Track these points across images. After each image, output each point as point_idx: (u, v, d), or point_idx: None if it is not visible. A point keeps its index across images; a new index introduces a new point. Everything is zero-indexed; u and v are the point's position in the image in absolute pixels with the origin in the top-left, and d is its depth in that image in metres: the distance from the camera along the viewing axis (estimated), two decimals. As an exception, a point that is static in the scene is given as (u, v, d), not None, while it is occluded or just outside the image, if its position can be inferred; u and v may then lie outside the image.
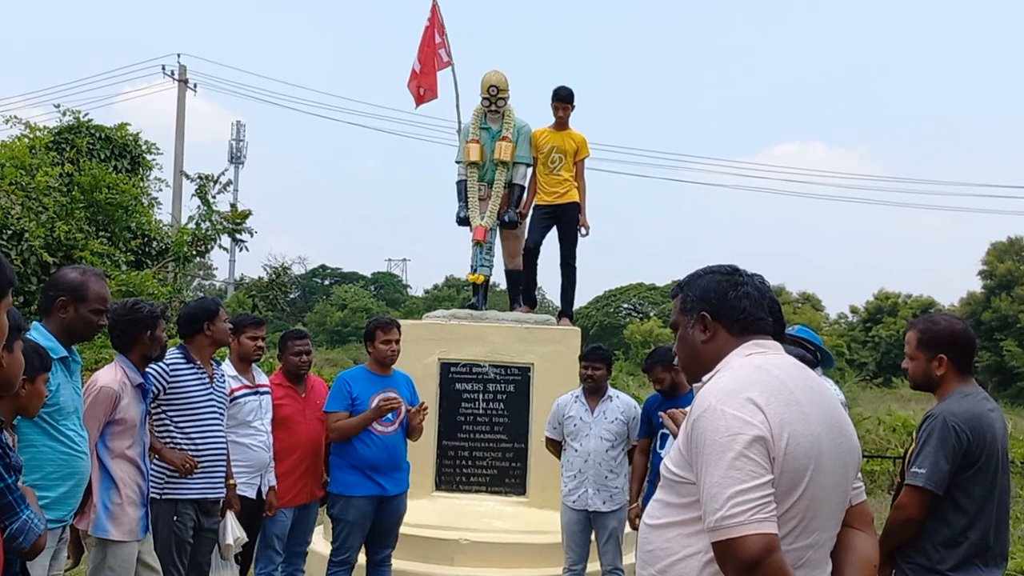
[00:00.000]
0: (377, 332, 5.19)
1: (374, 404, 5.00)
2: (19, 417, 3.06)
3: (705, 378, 2.04)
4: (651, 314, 43.85)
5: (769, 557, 1.75)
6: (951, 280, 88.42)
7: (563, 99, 6.93)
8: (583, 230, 7.06)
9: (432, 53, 7.58)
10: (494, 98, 6.83)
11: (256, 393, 5.02)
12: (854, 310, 45.03)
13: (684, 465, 1.94)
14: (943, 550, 2.94)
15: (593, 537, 5.32)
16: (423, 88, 7.65)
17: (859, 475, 2.11)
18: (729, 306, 2.08)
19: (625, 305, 47.41)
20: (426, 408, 5.25)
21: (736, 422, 1.83)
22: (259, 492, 4.96)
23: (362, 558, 5.20)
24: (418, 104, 7.78)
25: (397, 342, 5.20)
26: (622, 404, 5.38)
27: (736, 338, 2.06)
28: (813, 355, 4.49)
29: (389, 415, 5.05)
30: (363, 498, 5.01)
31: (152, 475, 4.12)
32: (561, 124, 6.99)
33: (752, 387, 1.90)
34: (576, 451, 5.29)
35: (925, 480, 2.93)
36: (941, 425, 2.95)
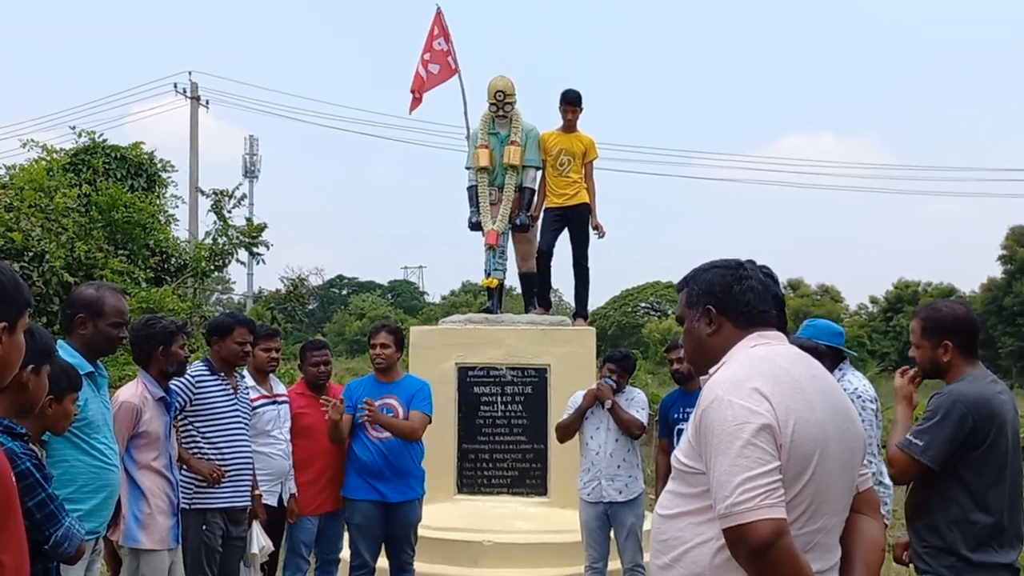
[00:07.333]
0: (369, 337, 5.36)
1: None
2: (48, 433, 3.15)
3: (711, 370, 2.09)
4: (669, 312, 43.73)
5: (779, 541, 1.80)
6: (971, 266, 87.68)
7: (571, 102, 6.98)
8: (598, 232, 7.10)
9: (426, 63, 7.68)
10: (501, 103, 6.89)
11: (274, 403, 5.11)
12: (874, 300, 44.76)
13: (694, 456, 1.99)
14: (956, 530, 2.96)
15: (613, 535, 5.39)
16: (415, 92, 7.77)
17: (865, 462, 2.16)
18: (734, 300, 2.13)
19: (643, 304, 47.33)
20: (365, 406, 4.96)
21: (743, 411, 1.88)
22: (280, 500, 5.05)
23: (386, 563, 5.27)
24: (411, 110, 7.93)
25: (383, 346, 5.21)
26: (629, 393, 5.54)
27: (741, 331, 2.12)
28: (836, 352, 4.47)
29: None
30: (365, 502, 5.05)
31: (180, 485, 4.21)
32: (569, 126, 7.04)
33: (757, 377, 1.95)
34: (587, 445, 5.44)
35: (920, 452, 2.97)
36: (949, 404, 2.98)
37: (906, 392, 3.27)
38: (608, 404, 5.32)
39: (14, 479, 1.62)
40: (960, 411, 2.95)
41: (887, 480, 4.21)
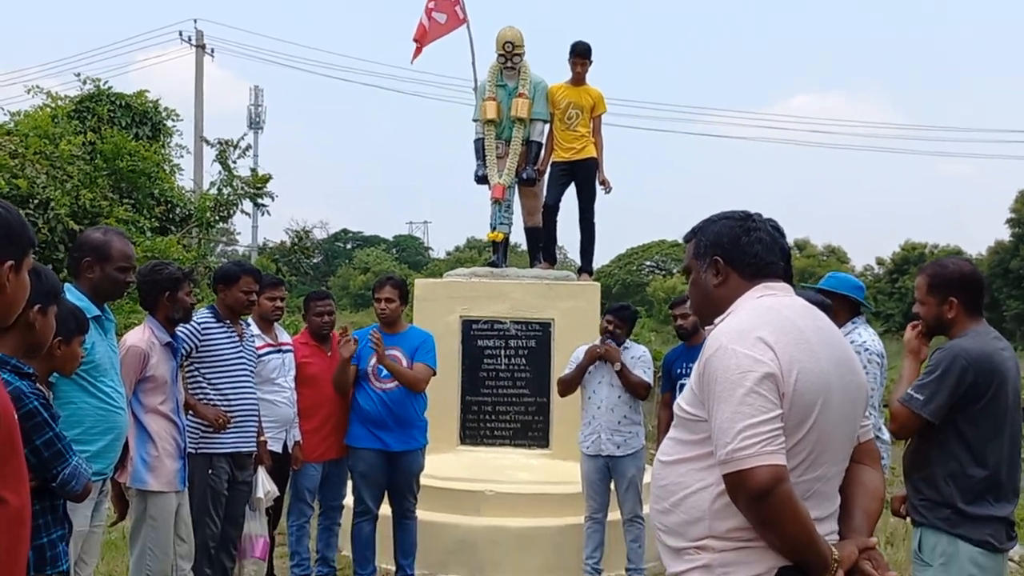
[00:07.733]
0: (373, 291, 5.40)
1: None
2: (57, 375, 3.18)
3: (717, 320, 2.09)
4: (674, 271, 43.69)
5: (778, 487, 1.82)
6: (978, 228, 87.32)
7: (580, 54, 6.88)
8: (605, 187, 7.06)
9: (429, 11, 7.57)
10: (509, 55, 6.80)
11: (279, 351, 5.15)
12: (880, 262, 44.57)
13: (696, 403, 2.01)
14: (952, 483, 2.99)
15: (613, 486, 5.45)
16: (418, 41, 7.68)
17: (867, 413, 2.17)
18: (742, 251, 2.12)
19: (648, 263, 47.25)
20: (373, 335, 5.03)
21: (747, 360, 1.89)
22: (285, 447, 5.11)
23: (389, 509, 5.34)
24: (412, 60, 7.86)
25: (388, 300, 5.23)
26: (636, 351, 5.57)
27: (748, 282, 2.11)
28: (853, 305, 4.50)
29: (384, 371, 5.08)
30: (367, 451, 5.12)
31: (187, 430, 4.26)
32: (578, 80, 6.96)
33: (763, 327, 1.95)
34: (589, 399, 5.49)
35: (921, 406, 2.99)
36: (950, 359, 2.99)
37: (913, 347, 3.28)
38: (617, 367, 5.34)
39: (19, 418, 1.64)
40: (961, 365, 2.96)
41: (885, 435, 4.24)
